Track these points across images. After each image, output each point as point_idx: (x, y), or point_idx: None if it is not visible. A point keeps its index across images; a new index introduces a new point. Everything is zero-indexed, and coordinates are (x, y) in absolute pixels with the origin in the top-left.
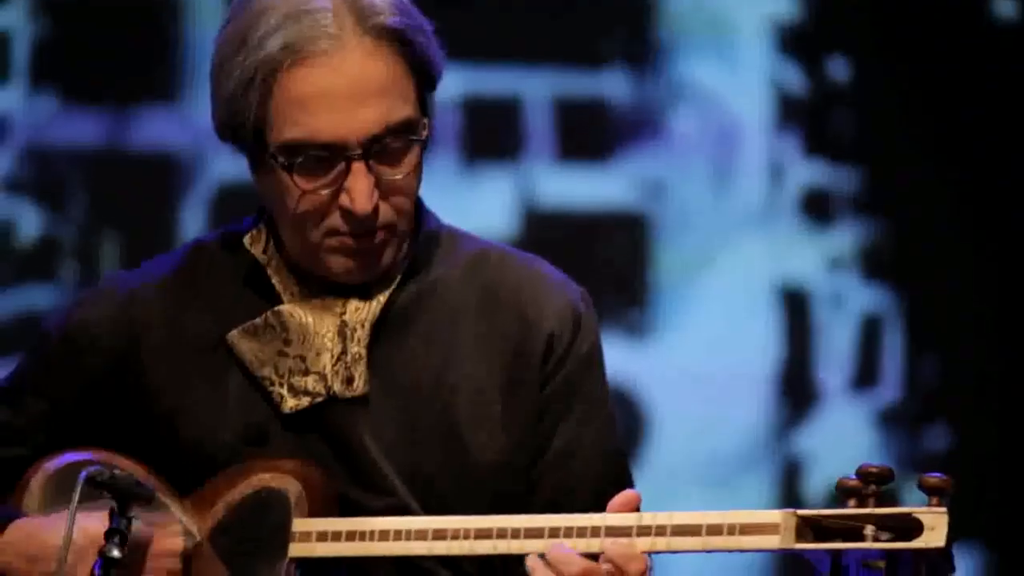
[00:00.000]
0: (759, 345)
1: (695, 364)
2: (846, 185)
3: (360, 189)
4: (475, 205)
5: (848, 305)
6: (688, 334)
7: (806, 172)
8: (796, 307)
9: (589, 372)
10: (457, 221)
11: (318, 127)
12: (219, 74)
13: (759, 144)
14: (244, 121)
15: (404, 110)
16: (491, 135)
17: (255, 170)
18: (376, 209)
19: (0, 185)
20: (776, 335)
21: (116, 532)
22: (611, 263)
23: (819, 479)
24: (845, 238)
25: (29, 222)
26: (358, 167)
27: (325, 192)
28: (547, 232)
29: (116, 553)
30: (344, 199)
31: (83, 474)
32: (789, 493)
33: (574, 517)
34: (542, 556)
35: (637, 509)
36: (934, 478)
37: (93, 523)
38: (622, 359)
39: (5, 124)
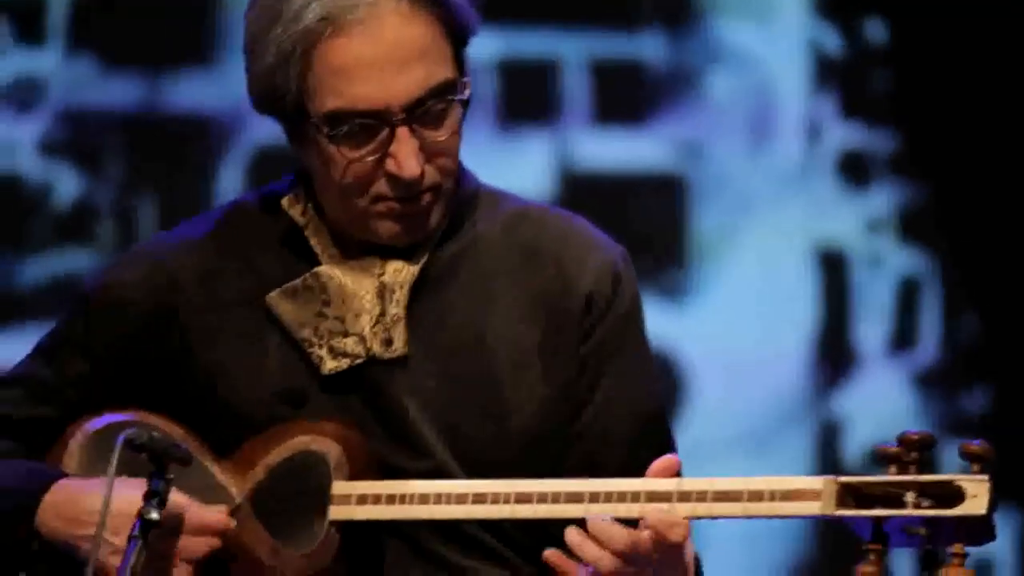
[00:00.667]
0: (797, 307)
1: (732, 326)
2: (883, 147)
3: (406, 153)
4: (512, 168)
5: (886, 267)
6: (725, 296)
7: (843, 134)
8: (834, 269)
9: (628, 330)
10: (494, 184)
11: (360, 95)
12: (254, 49)
13: (796, 106)
14: (284, 94)
15: (444, 71)
16: (528, 98)
17: (296, 141)
18: (422, 172)
19: (38, 148)
20: (814, 297)
21: (155, 494)
22: (648, 225)
23: (857, 442)
24: (882, 200)
25: (67, 185)
26: (402, 132)
27: (370, 159)
28: (584, 195)
29: (155, 515)
30: (390, 164)
31: (121, 437)
32: (826, 456)
33: (614, 482)
34: (584, 529)
35: (678, 474)
36: (976, 446)
37: (133, 489)
38: (659, 322)
39: (43, 87)
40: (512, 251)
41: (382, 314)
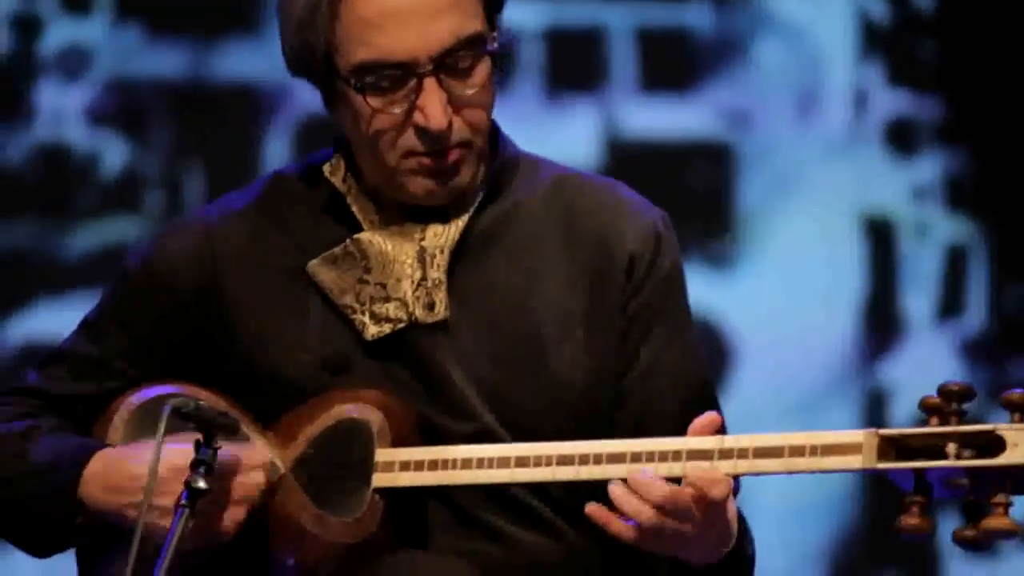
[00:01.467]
0: (844, 275)
1: (780, 295)
2: (930, 115)
3: (433, 104)
4: (558, 137)
5: (933, 235)
6: (772, 265)
7: (890, 101)
8: (881, 237)
9: (671, 292)
10: (540, 152)
11: (389, 46)
12: (284, 6)
13: (843, 74)
14: (314, 49)
15: (472, 24)
16: (574, 66)
17: (329, 101)
18: (450, 125)
19: (85, 117)
20: (861, 265)
21: (201, 463)
22: (695, 194)
23: (904, 410)
24: (929, 168)
25: (114, 153)
26: (430, 83)
27: (399, 111)
28: (630, 163)
29: (202, 484)
30: (418, 117)
31: (167, 406)
32: (873, 424)
33: (655, 441)
34: (624, 481)
35: (720, 431)
36: (1017, 394)
37: (177, 455)
38: (706, 290)
39: (90, 56)
40: (553, 216)
41: (423, 279)
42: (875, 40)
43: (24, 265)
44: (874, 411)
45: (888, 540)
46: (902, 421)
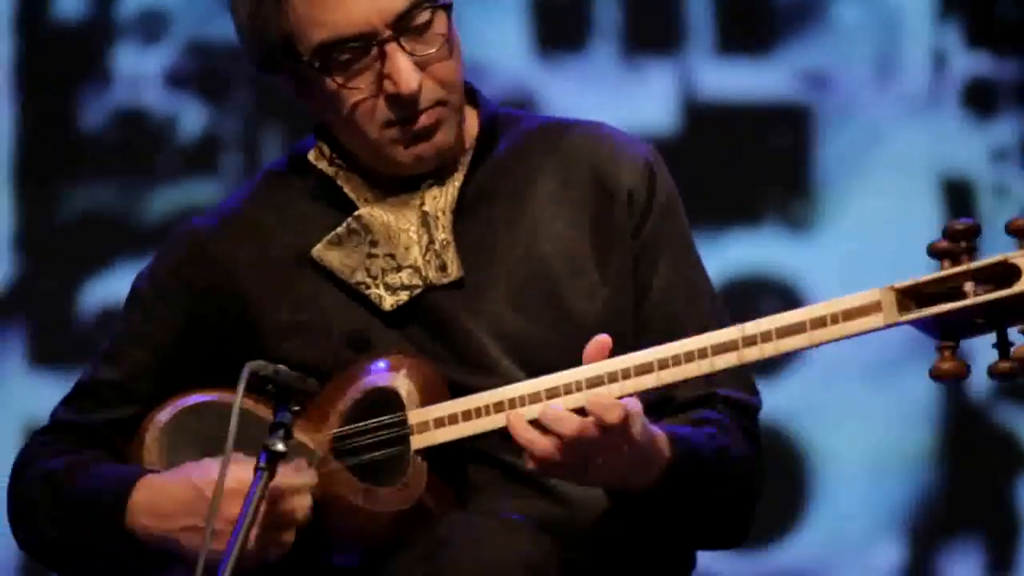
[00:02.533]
0: (922, 237)
1: (858, 257)
2: (1009, 75)
3: (400, 69)
4: (635, 99)
5: (1011, 196)
6: (851, 227)
7: (969, 62)
8: (959, 198)
9: (672, 219)
10: (617, 115)
11: (343, 20)
12: (233, 6)
13: (922, 34)
14: (271, 42)
15: None
16: (651, 28)
17: (301, 93)
18: (420, 87)
19: (164, 80)
20: (939, 227)
21: (280, 426)
22: (772, 156)
23: (981, 369)
24: (1008, 129)
25: (192, 117)
26: (392, 49)
27: (367, 84)
28: (708, 125)
29: (280, 447)
30: (388, 85)
31: (247, 368)
32: (951, 388)
33: (678, 344)
34: (534, 421)
35: (610, 352)
36: (1022, 219)
37: (236, 470)
38: (784, 252)
39: (168, 19)
40: (546, 162)
41: (431, 241)
42: (953, 1)
43: (103, 228)
44: None
45: (968, 503)
46: (980, 380)
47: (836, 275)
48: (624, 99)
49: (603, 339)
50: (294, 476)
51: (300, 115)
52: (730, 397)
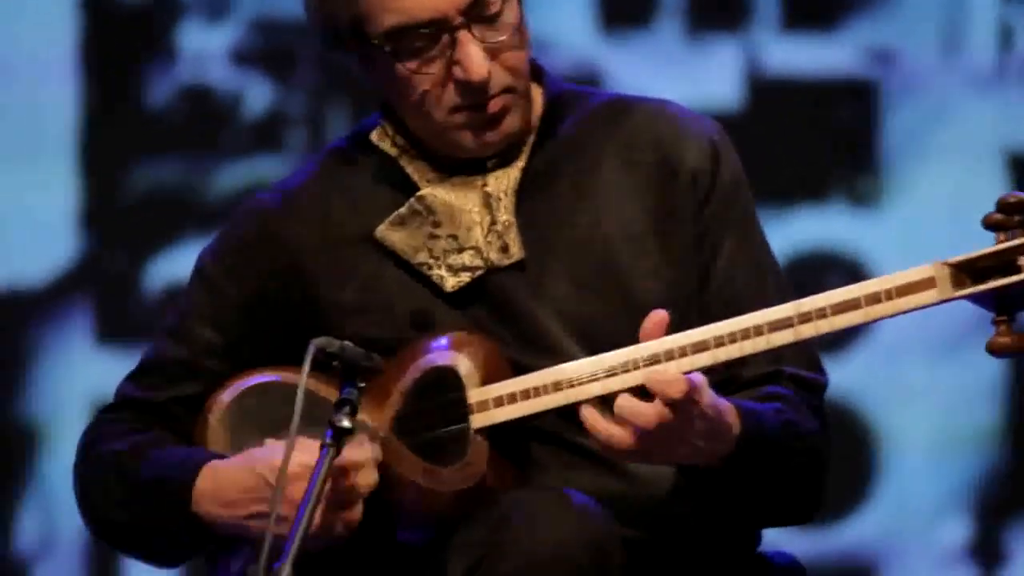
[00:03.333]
0: (988, 212)
1: (924, 232)
2: None
3: (471, 56)
4: (700, 76)
5: None
6: (917, 202)
7: None
8: None
9: (737, 199)
10: (682, 91)
11: (415, 7)
12: None
13: (988, 10)
14: (341, 23)
15: None
16: (717, 5)
17: (367, 72)
18: (490, 75)
19: (229, 57)
20: None
21: (346, 402)
22: (839, 132)
23: None
24: None
25: (257, 93)
26: (463, 36)
27: (437, 69)
28: (774, 102)
29: (346, 423)
30: (457, 71)
31: (312, 345)
32: (1017, 365)
33: (733, 322)
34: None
35: (667, 328)
36: None
37: (288, 462)
38: (850, 227)
39: None
40: (610, 141)
41: (493, 223)
42: None
43: (168, 206)
44: None
45: None
46: None
47: (901, 251)
48: (689, 76)
49: (659, 314)
50: (357, 452)
51: (365, 92)
52: (796, 375)
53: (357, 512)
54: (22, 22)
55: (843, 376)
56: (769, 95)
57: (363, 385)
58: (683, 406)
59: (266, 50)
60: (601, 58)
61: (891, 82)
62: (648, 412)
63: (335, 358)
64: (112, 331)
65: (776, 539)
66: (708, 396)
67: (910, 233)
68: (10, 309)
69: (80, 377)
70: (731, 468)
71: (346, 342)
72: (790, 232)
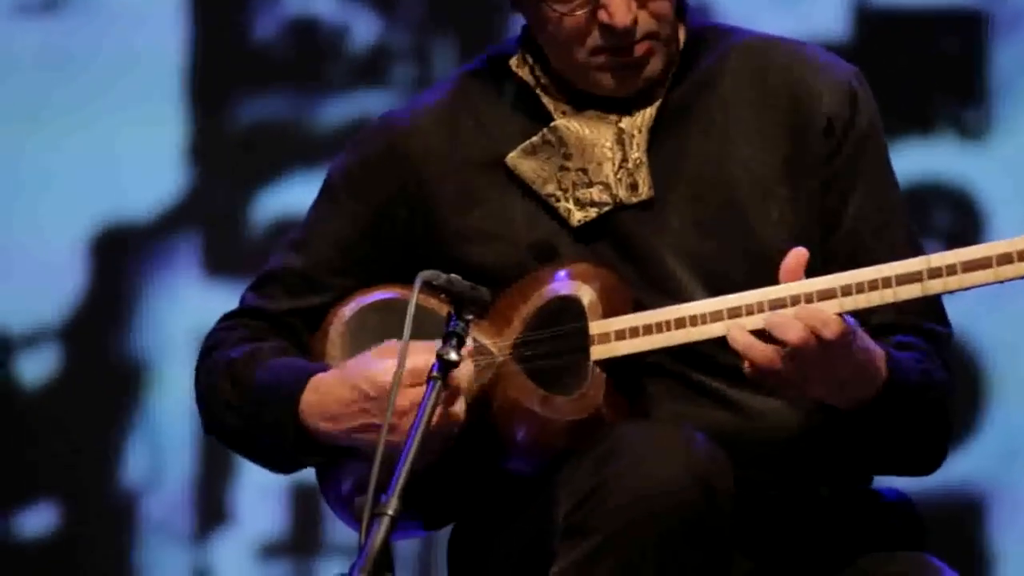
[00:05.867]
0: None
1: None
2: None
3: (617, 3)
4: (807, 7)
5: None
6: None
7: None
8: None
9: (870, 149)
10: (788, 24)
11: None
12: None
13: None
14: None
15: None
16: None
17: (515, 3)
18: (635, 20)
19: None
20: None
21: (453, 335)
22: (946, 64)
23: None
24: None
25: (363, 27)
26: None
27: (582, 12)
28: (880, 33)
29: (453, 356)
30: (603, 15)
31: (419, 277)
32: None
33: (863, 272)
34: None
35: (805, 266)
36: None
37: (415, 357)
38: (957, 160)
39: None
40: (745, 82)
41: (624, 160)
42: None
43: (275, 139)
44: None
45: None
46: None
47: (1010, 184)
48: (796, 8)
49: (801, 252)
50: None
51: (471, 26)
52: (922, 325)
53: (460, 407)
54: None
55: (952, 309)
56: (876, 26)
57: (470, 318)
58: (836, 344)
59: None
60: None
61: (1000, 12)
62: (795, 328)
63: (442, 291)
64: (219, 266)
65: (882, 476)
66: (860, 339)
67: (1018, 165)
68: (118, 245)
69: (187, 312)
70: (871, 412)
71: (453, 275)
72: (897, 165)
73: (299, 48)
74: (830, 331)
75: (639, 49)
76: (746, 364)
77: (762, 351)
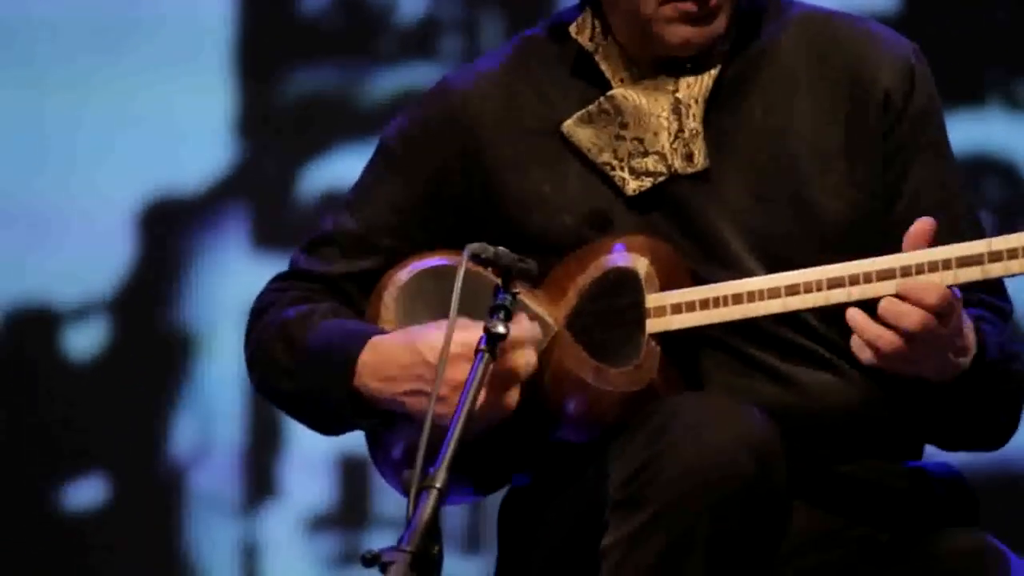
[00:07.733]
0: None
1: None
2: None
3: None
4: None
5: None
6: None
7: None
8: None
9: (929, 123)
10: None
11: None
12: None
13: None
14: None
15: None
16: None
17: None
18: None
19: None
20: None
21: (500, 308)
22: (996, 34)
23: None
24: None
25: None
26: None
27: None
28: (930, 4)
29: (501, 329)
30: None
31: (467, 250)
32: None
33: (923, 253)
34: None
35: (931, 236)
36: None
37: (464, 332)
38: (1004, 132)
39: None
40: (803, 54)
41: (680, 130)
42: None
43: (323, 112)
44: None
45: None
46: None
47: None
48: None
49: (928, 222)
50: (520, 331)
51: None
52: (988, 300)
53: (515, 394)
54: None
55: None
56: None
57: (518, 292)
58: (943, 311)
59: None
60: None
61: None
62: (913, 314)
63: (489, 263)
64: (267, 238)
65: (933, 449)
66: (960, 312)
67: None
68: (167, 216)
69: (236, 284)
70: (960, 386)
71: (500, 248)
72: None
73: (348, 20)
74: (931, 298)
75: (711, 0)
76: (868, 353)
77: (890, 340)
